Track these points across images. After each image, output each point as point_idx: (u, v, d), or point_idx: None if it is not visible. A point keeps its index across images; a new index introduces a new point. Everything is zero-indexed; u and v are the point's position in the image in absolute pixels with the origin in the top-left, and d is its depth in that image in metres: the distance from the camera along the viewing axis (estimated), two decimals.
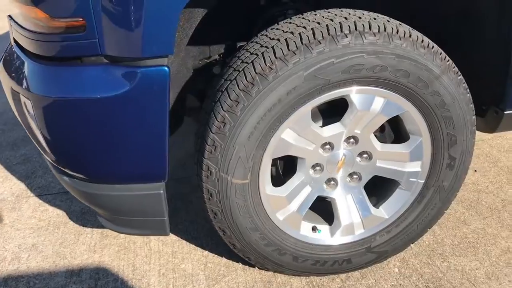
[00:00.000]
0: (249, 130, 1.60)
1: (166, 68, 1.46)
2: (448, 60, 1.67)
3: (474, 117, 1.80)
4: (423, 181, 1.88)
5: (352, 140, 1.77)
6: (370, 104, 1.69)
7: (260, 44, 1.60)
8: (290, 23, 1.63)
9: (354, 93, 1.66)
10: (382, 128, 1.89)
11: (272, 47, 1.56)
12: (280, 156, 1.72)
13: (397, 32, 1.58)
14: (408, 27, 1.65)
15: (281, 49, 1.54)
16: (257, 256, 1.89)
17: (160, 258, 2.16)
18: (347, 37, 1.55)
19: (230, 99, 1.57)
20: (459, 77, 1.70)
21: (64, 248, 2.25)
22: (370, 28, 1.56)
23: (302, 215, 1.87)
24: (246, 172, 1.68)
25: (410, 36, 1.60)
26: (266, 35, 1.63)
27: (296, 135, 1.69)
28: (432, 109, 1.71)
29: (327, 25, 1.57)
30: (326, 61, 1.54)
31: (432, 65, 1.64)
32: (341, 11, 1.66)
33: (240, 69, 1.57)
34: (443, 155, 1.82)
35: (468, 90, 1.75)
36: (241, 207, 1.74)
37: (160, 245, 2.24)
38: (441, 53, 1.66)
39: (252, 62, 1.56)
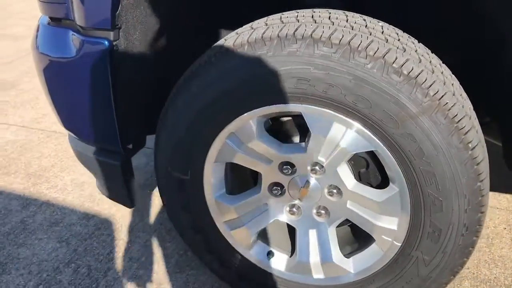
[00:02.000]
0: (188, 124, 1.51)
1: (106, 42, 1.47)
2: (440, 98, 1.26)
3: (480, 183, 1.33)
4: (400, 244, 1.48)
5: (317, 167, 1.50)
6: (326, 129, 1.40)
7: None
8: (270, 18, 1.45)
9: (306, 112, 1.39)
10: (367, 164, 1.55)
11: (225, 39, 1.43)
12: (228, 161, 1.57)
13: (366, 47, 1.26)
14: (389, 44, 1.29)
15: (231, 43, 1.39)
16: (202, 258, 1.79)
17: None
18: (296, 43, 1.30)
19: (175, 89, 1.51)
20: (454, 125, 1.27)
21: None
22: (329, 36, 1.28)
23: (253, 233, 1.68)
24: (185, 168, 1.59)
25: (383, 55, 1.25)
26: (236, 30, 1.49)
27: (242, 143, 1.51)
28: (406, 157, 1.33)
29: (283, 25, 1.35)
30: (268, 66, 1.33)
31: (406, 99, 1.26)
32: (326, 11, 1.40)
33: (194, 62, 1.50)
34: (423, 221, 1.40)
35: (469, 144, 1.29)
36: (185, 204, 1.67)
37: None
38: (429, 86, 1.25)
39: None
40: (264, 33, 1.36)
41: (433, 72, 1.29)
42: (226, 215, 1.68)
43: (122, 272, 2.01)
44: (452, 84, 1.33)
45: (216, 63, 1.42)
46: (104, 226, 2.29)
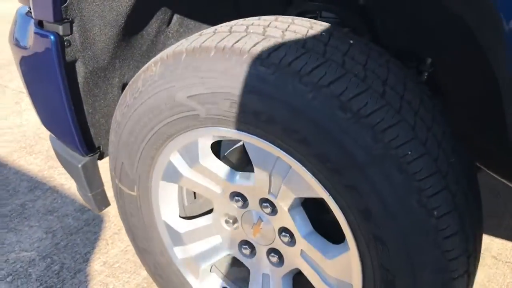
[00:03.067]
0: (127, 136, 1.35)
1: (52, 36, 1.36)
2: (398, 147, 0.97)
3: (448, 263, 1.02)
4: None
5: (268, 204, 1.27)
6: (269, 165, 1.16)
7: None
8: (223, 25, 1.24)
9: (245, 142, 1.17)
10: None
11: (177, 44, 1.26)
12: (174, 182, 1.39)
13: (311, 71, 1.01)
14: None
15: (172, 50, 1.21)
16: (154, 281, 1.63)
17: None
18: (231, 58, 1.08)
19: (123, 98, 1.36)
20: (415, 183, 0.98)
21: None
22: (269, 54, 1.04)
23: (200, 265, 1.49)
24: (131, 183, 1.43)
25: (318, 79, 1.00)
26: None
27: (186, 165, 1.32)
28: (351, 213, 1.06)
29: (227, 35, 1.13)
30: (195, 82, 1.13)
31: (353, 143, 0.99)
32: (257, 19, 1.17)
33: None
34: None
35: (435, 211, 0.99)
36: (135, 222, 1.52)
37: None
38: (385, 130, 0.97)
39: None
40: (203, 42, 1.15)
41: (399, 110, 1.00)
42: (176, 241, 1.50)
43: (91, 276, 1.92)
44: (429, 129, 1.03)
45: (153, 72, 1.23)
46: (95, 222, 2.22)
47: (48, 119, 1.65)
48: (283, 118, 1.04)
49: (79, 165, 1.64)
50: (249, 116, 1.09)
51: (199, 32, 1.24)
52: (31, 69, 1.52)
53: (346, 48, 1.08)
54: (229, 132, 1.18)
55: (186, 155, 1.31)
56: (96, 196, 1.73)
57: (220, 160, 1.43)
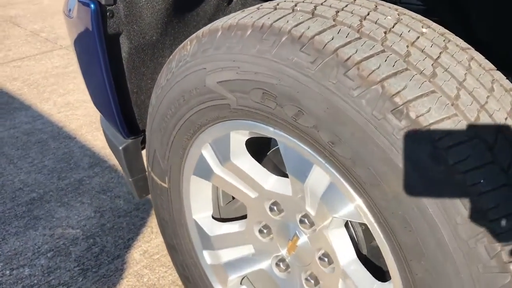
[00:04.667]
0: (159, 121, 1.22)
1: (92, 5, 1.26)
2: (465, 172, 0.74)
3: None
4: None
5: (306, 221, 1.08)
6: (304, 173, 0.97)
7: None
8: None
9: (279, 142, 0.98)
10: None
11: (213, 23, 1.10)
12: (206, 179, 1.24)
13: (360, 61, 0.80)
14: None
15: (207, 28, 1.06)
16: (182, 282, 1.50)
17: None
18: (269, 39, 0.90)
19: (159, 78, 1.23)
20: (485, 224, 0.74)
21: None
22: (312, 37, 0.85)
23: (229, 275, 1.33)
24: (163, 173, 1.31)
25: (369, 72, 0.78)
26: None
27: (218, 161, 1.17)
28: (400, 250, 0.83)
29: (270, 13, 0.95)
30: (227, 65, 0.97)
31: (412, 162, 0.77)
32: None
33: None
34: None
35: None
36: (165, 216, 1.40)
37: None
38: (451, 147, 0.75)
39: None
40: (242, 18, 0.97)
41: (475, 125, 0.76)
42: (205, 244, 1.35)
43: (128, 264, 1.84)
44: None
45: (188, 51, 1.08)
46: (144, 207, 2.15)
47: (92, 95, 1.58)
48: (323, 119, 0.83)
49: (120, 147, 1.55)
50: (283, 112, 0.90)
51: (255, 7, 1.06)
52: (76, 40, 1.44)
53: (414, 37, 0.85)
54: (262, 129, 1.00)
55: (218, 150, 1.15)
56: (137, 182, 1.63)
57: (265, 159, 1.26)
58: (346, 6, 0.93)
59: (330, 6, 0.93)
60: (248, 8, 1.03)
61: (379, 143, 0.78)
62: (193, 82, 1.06)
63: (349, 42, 0.83)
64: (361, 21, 0.88)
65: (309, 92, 0.84)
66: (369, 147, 0.79)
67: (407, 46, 0.83)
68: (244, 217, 1.35)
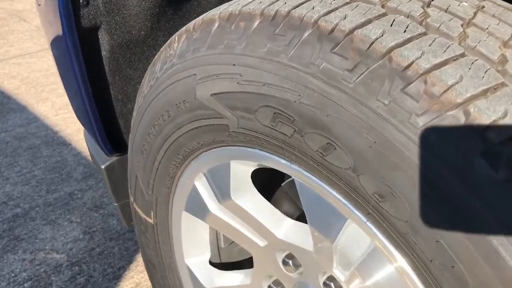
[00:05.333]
0: (140, 141, 0.94)
1: None
2: None
3: None
4: None
5: (331, 284, 0.79)
6: (332, 229, 0.68)
7: None
8: None
9: (297, 181, 0.69)
10: None
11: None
12: (200, 218, 0.95)
13: (411, 63, 0.51)
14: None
15: (202, 17, 0.77)
16: None
17: None
18: (285, 33, 0.61)
19: (142, 85, 0.95)
20: None
21: None
22: (353, 29, 0.56)
23: None
24: (147, 206, 1.03)
25: (444, 89, 0.49)
26: None
27: (215, 197, 0.88)
28: None
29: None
30: (224, 71, 0.68)
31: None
32: None
33: None
34: None
35: None
36: (152, 257, 1.12)
37: None
38: None
39: None
40: (246, 5, 0.68)
41: None
42: None
43: None
44: None
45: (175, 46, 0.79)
46: None
47: (71, 102, 1.31)
48: (366, 159, 0.54)
49: (103, 166, 1.28)
50: (304, 143, 0.61)
51: None
52: (47, 34, 1.17)
53: (509, 34, 0.55)
54: (274, 162, 0.71)
55: (214, 183, 0.86)
56: (125, 207, 1.35)
57: (278, 191, 0.98)
58: None
59: None
60: None
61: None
62: (180, 92, 0.78)
63: (409, 40, 0.53)
64: (424, 8, 0.58)
65: (345, 116, 0.55)
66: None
67: (500, 47, 0.54)
68: (251, 260, 1.07)
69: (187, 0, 1.17)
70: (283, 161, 0.68)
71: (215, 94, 0.70)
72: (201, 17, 0.77)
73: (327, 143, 0.58)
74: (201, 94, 0.73)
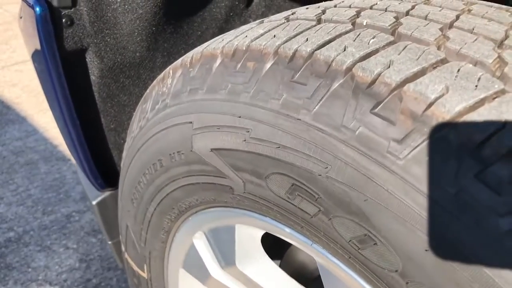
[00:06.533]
0: (130, 188, 0.80)
1: (38, 7, 0.84)
2: None
3: None
4: None
5: None
6: None
7: None
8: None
9: (321, 266, 0.54)
10: None
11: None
12: (200, 281, 0.81)
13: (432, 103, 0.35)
14: None
15: (187, 57, 0.63)
16: None
17: None
18: (267, 62, 0.46)
19: (131, 123, 0.81)
20: None
21: None
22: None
23: None
24: (140, 259, 0.88)
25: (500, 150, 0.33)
26: None
27: (217, 261, 0.73)
28: None
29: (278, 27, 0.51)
30: (227, 123, 0.53)
31: None
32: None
33: None
34: None
35: None
36: None
37: None
38: None
39: None
40: (257, 38, 0.53)
41: None
42: None
43: None
44: None
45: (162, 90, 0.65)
46: None
47: (59, 129, 1.17)
48: (420, 265, 0.39)
49: (94, 202, 1.14)
50: (332, 228, 0.46)
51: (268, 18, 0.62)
52: (29, 54, 1.03)
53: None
54: (290, 236, 0.56)
55: (217, 245, 0.71)
56: (119, 246, 1.21)
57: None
58: (441, 9, 0.48)
59: (417, 16, 0.48)
60: (274, 16, 0.60)
61: None
62: (174, 141, 0.63)
63: (485, 101, 0.38)
64: (501, 54, 0.43)
65: (391, 205, 0.40)
66: None
67: None
68: None
69: (189, 15, 1.02)
70: (302, 238, 0.54)
71: (216, 149, 0.55)
72: (199, 49, 0.62)
73: (365, 235, 0.43)
74: (199, 147, 0.58)
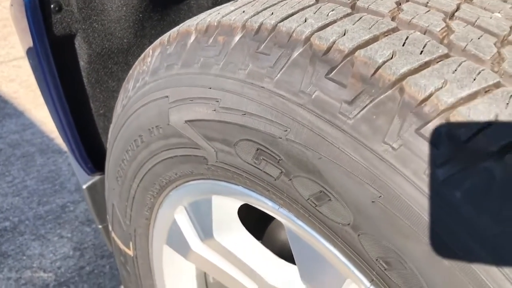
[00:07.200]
0: (114, 166, 0.83)
1: None
2: None
3: None
4: None
5: None
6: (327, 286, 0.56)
7: None
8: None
9: (288, 230, 0.57)
10: None
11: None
12: (182, 255, 0.84)
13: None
14: None
15: (173, 30, 0.66)
16: None
17: None
18: (270, 52, 0.49)
19: (117, 103, 0.84)
20: None
21: None
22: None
23: None
24: (126, 237, 0.92)
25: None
26: None
27: (197, 235, 0.76)
28: None
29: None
30: (200, 94, 0.56)
31: None
32: None
33: None
34: None
35: None
36: None
37: None
38: None
39: None
40: (227, 15, 0.57)
41: None
42: None
43: None
44: None
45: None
46: None
47: (50, 114, 1.20)
48: (368, 216, 0.42)
49: (84, 186, 1.17)
50: (293, 188, 0.49)
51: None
52: (20, 41, 1.06)
53: None
54: (260, 203, 0.59)
55: (196, 218, 0.75)
56: (108, 229, 1.24)
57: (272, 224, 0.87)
58: None
59: None
60: None
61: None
62: (153, 116, 0.66)
63: (427, 64, 0.41)
64: (446, 20, 0.46)
65: (342, 161, 0.43)
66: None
67: None
68: None
69: (176, 3, 1.05)
70: (270, 203, 0.57)
71: (189, 121, 0.59)
72: (177, 28, 0.65)
73: (320, 191, 0.46)
74: (174, 119, 0.61)
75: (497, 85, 0.40)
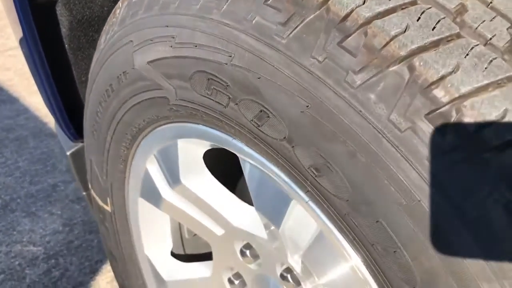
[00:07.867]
0: (90, 120, 0.87)
1: None
2: None
3: None
4: None
5: (290, 278, 0.71)
6: (278, 213, 0.60)
7: None
8: None
9: (241, 159, 0.61)
10: None
11: None
12: (155, 205, 0.88)
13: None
14: None
15: None
16: None
17: None
18: None
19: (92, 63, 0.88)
20: None
21: None
22: None
23: None
24: (103, 192, 0.96)
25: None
26: None
27: (165, 181, 0.80)
28: None
29: None
30: (158, 34, 0.61)
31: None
32: None
33: None
34: None
35: None
36: (112, 248, 1.05)
37: None
38: None
39: None
40: None
41: None
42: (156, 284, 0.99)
43: None
44: None
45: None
46: None
47: (34, 81, 1.24)
48: (299, 128, 0.46)
49: (68, 153, 1.21)
50: (239, 112, 0.53)
51: None
52: (4, 7, 1.10)
53: None
54: (218, 139, 0.63)
55: (165, 165, 0.79)
56: (91, 196, 1.28)
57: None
58: None
59: None
60: None
61: (399, 176, 0.40)
62: (120, 63, 0.70)
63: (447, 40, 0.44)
64: None
65: (277, 78, 0.47)
66: (383, 182, 0.42)
67: None
68: None
69: None
70: (225, 136, 0.61)
71: (151, 61, 0.63)
72: None
73: (261, 111, 0.50)
74: (138, 62, 0.65)
75: (413, 3, 0.44)
